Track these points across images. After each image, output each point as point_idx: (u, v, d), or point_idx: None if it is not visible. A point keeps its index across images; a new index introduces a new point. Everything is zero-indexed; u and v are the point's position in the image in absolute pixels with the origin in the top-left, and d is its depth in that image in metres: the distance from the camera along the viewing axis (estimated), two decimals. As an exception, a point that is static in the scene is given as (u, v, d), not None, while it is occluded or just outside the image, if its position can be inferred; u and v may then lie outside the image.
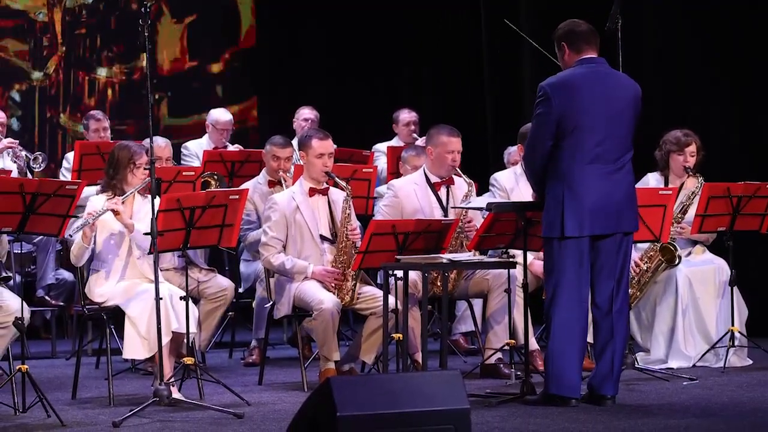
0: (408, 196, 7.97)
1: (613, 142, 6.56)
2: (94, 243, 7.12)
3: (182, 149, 10.22)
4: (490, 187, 8.25)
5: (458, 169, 7.99)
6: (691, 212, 8.15)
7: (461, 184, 8.02)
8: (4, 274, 7.12)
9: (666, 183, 8.34)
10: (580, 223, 6.47)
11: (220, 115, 10.21)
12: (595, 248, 6.56)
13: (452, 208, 7.94)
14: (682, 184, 8.32)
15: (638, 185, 8.16)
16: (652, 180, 8.38)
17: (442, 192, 8.03)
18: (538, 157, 6.56)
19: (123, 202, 7.05)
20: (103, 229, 7.14)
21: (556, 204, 6.50)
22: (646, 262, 8.15)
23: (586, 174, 6.49)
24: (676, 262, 8.10)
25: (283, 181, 8.52)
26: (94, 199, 7.17)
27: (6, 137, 9.47)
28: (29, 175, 9.29)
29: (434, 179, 8.03)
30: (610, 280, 6.59)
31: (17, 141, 9.42)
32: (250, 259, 9.01)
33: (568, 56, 6.70)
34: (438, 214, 7.91)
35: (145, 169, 7.12)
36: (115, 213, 7.01)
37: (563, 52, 6.72)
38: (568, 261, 6.50)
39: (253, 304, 8.75)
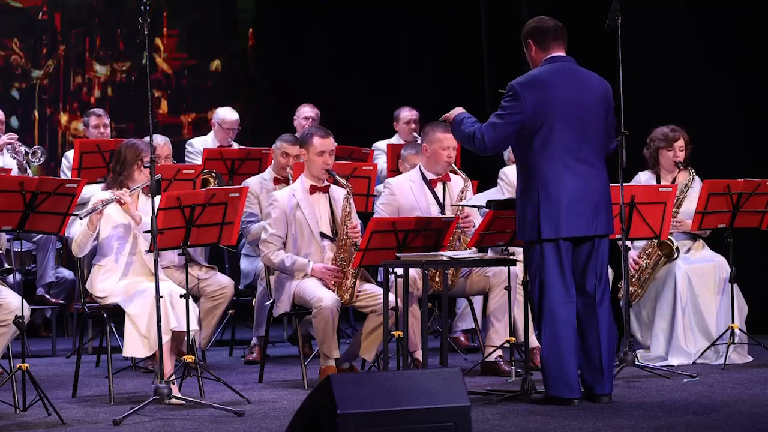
0: (404, 193, 7.98)
1: (586, 142, 6.51)
2: (97, 236, 7.13)
3: (186, 146, 10.23)
4: (499, 181, 8.25)
5: (454, 166, 7.99)
6: (686, 205, 8.17)
7: (457, 181, 8.03)
8: (6, 266, 7.11)
9: (658, 180, 8.35)
10: (556, 225, 6.43)
11: (227, 114, 10.21)
12: (573, 250, 6.54)
13: (452, 205, 7.94)
14: (674, 179, 8.33)
15: (631, 184, 8.18)
16: (643, 178, 8.38)
17: (438, 189, 8.03)
18: (489, 150, 6.60)
19: (129, 195, 7.09)
20: (107, 222, 7.15)
21: (531, 206, 6.46)
22: (645, 258, 8.15)
23: (559, 174, 6.44)
24: (675, 256, 8.11)
25: (290, 178, 8.54)
26: (100, 192, 7.20)
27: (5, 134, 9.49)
28: (29, 170, 9.30)
29: (430, 176, 8.03)
30: (591, 280, 6.56)
31: (16, 136, 9.42)
32: (251, 255, 9.02)
33: (534, 53, 6.66)
34: (434, 211, 7.91)
35: (145, 167, 7.14)
36: (122, 203, 7.04)
37: (530, 49, 6.68)
38: (550, 263, 6.46)
39: (254, 302, 8.76)
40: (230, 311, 9.09)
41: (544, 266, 6.47)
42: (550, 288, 6.46)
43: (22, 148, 9.26)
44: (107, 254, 7.18)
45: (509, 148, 9.58)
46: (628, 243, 7.70)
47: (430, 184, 8.02)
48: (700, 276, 8.16)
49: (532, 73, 6.60)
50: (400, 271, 7.14)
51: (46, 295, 9.53)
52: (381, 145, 10.33)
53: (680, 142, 8.33)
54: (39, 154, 9.26)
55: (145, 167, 7.15)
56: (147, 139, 7.44)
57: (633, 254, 8.14)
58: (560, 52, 6.62)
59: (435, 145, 7.98)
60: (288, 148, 8.71)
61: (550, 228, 6.43)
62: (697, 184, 8.30)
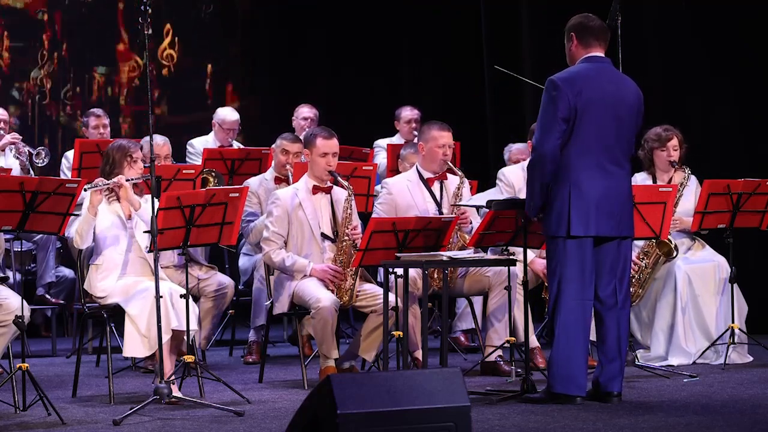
0: (401, 192, 7.98)
1: (619, 144, 6.54)
2: (93, 235, 7.13)
3: (187, 146, 10.23)
4: (497, 182, 8.25)
5: (451, 164, 7.99)
6: (682, 204, 8.16)
7: (455, 180, 8.03)
8: (0, 275, 7.12)
9: (654, 180, 8.35)
10: (586, 222, 6.44)
11: (227, 114, 10.21)
12: (596, 250, 6.55)
13: (452, 205, 7.94)
14: (670, 179, 8.33)
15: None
16: (639, 179, 8.38)
17: (436, 187, 8.03)
18: (549, 153, 6.43)
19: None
20: (101, 220, 7.15)
21: (561, 202, 6.46)
22: (644, 258, 8.15)
23: (591, 174, 6.45)
24: (674, 254, 8.11)
25: (290, 175, 8.54)
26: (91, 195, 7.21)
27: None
28: (31, 171, 9.30)
29: (427, 175, 8.04)
30: (612, 279, 6.58)
31: (20, 136, 9.43)
32: (250, 254, 9.01)
33: (575, 48, 6.65)
34: (432, 210, 7.92)
35: (146, 166, 7.14)
36: (120, 186, 7.05)
37: (571, 42, 6.65)
38: (573, 260, 6.47)
39: (252, 293, 8.76)
40: (230, 311, 9.10)
41: (566, 263, 6.47)
42: (569, 285, 6.46)
43: (26, 149, 9.27)
44: (103, 254, 7.18)
45: (510, 148, 9.63)
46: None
47: (428, 183, 8.02)
48: (700, 276, 8.16)
49: (572, 69, 6.60)
50: (400, 271, 7.14)
51: (46, 295, 9.53)
52: (381, 142, 10.34)
53: (674, 142, 8.33)
54: (43, 155, 9.27)
55: (145, 166, 7.15)
56: (144, 139, 7.46)
57: (632, 255, 8.13)
58: (600, 52, 6.63)
59: (431, 143, 7.99)
60: (288, 145, 8.71)
61: (579, 224, 6.44)
62: (693, 182, 8.31)
